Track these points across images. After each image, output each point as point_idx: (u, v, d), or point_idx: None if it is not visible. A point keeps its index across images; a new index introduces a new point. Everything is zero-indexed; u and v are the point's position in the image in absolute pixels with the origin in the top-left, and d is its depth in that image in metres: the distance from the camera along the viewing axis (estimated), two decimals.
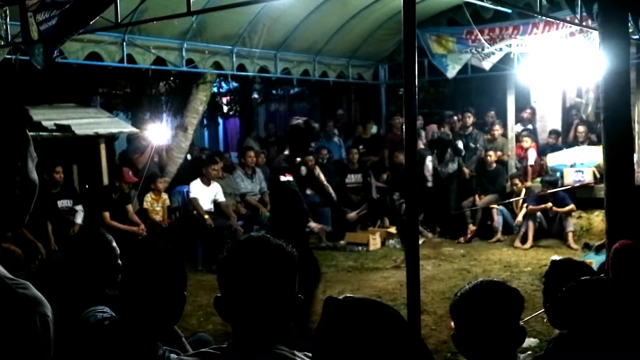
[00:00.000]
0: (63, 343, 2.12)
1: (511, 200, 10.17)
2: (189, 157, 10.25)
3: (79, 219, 8.04)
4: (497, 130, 11.07)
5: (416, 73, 3.65)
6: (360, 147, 11.41)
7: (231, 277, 1.77)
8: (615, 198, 4.54)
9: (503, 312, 2.23)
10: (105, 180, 8.39)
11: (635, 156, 8.08)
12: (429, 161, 10.62)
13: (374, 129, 12.11)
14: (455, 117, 11.55)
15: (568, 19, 8.38)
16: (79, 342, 2.31)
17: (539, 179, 10.43)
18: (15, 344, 1.11)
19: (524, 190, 10.22)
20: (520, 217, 9.93)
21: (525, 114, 11.70)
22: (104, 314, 2.53)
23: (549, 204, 9.60)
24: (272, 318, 1.74)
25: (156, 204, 8.79)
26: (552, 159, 10.48)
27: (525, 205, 9.92)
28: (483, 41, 10.05)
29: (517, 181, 10.19)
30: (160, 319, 2.33)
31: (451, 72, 10.81)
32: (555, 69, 10.32)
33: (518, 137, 11.23)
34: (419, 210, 9.71)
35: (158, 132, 9.40)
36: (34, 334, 1.14)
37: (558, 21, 8.80)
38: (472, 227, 10.16)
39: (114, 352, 2.25)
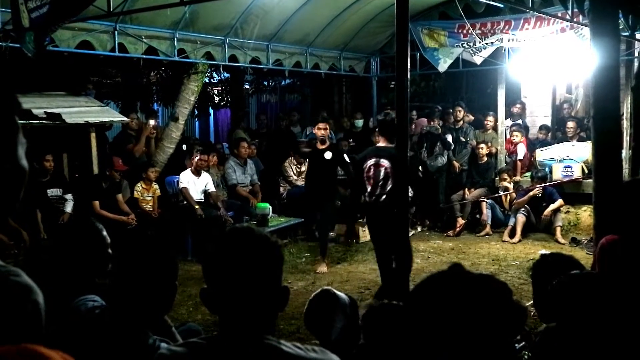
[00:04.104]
0: (54, 331, 2.13)
1: (500, 194, 10.23)
2: (184, 147, 10.22)
3: (69, 207, 8.02)
4: (490, 122, 11.10)
5: (409, 66, 3.67)
6: (350, 140, 11.42)
7: (216, 268, 1.78)
8: (604, 193, 4.58)
9: (490, 305, 2.26)
10: (96, 169, 8.36)
11: (624, 152, 8.15)
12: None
13: (360, 122, 12.09)
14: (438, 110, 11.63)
15: (559, 14, 8.44)
16: (69, 331, 2.32)
17: (528, 174, 10.48)
18: (5, 331, 1.11)
19: (512, 185, 10.27)
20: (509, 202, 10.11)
21: (515, 109, 11.74)
22: (95, 303, 2.54)
23: (536, 190, 9.67)
24: (258, 309, 1.75)
25: (147, 194, 8.78)
26: (541, 154, 10.54)
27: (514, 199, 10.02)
28: (475, 35, 10.08)
29: (505, 176, 10.23)
30: (151, 309, 2.34)
31: (442, 65, 10.84)
32: (545, 64, 10.38)
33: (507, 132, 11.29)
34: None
35: (149, 121, 9.39)
36: (26, 322, 1.15)
37: (549, 17, 8.84)
38: (461, 221, 10.20)
39: (105, 341, 2.26)
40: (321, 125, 8.02)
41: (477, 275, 2.43)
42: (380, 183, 6.09)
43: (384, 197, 6.11)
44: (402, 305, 2.64)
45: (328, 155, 7.89)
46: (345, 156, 8.11)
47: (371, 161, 6.28)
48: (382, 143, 6.28)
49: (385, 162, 6.14)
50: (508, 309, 2.32)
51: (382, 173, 6.13)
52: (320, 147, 8.03)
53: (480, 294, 2.31)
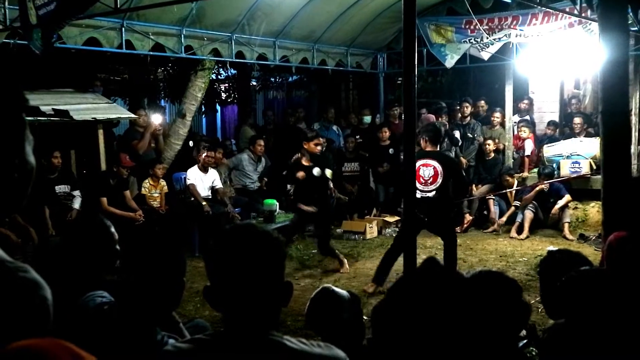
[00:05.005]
0: (62, 327, 2.14)
1: (506, 191, 10.20)
2: (190, 143, 10.22)
3: (77, 204, 8.04)
4: (497, 118, 11.08)
5: (416, 62, 3.65)
6: (357, 136, 11.40)
7: (219, 266, 1.79)
8: (612, 189, 4.56)
9: (502, 301, 2.26)
10: (104, 166, 8.39)
11: (632, 148, 8.10)
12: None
13: (368, 119, 12.07)
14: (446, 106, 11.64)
15: (567, 9, 8.39)
16: (77, 327, 2.33)
17: (536, 170, 10.45)
18: (14, 326, 1.11)
19: (515, 183, 10.24)
20: (504, 219, 10.05)
21: (523, 105, 11.69)
22: (103, 299, 2.55)
23: (543, 185, 9.65)
24: (261, 305, 1.75)
25: (154, 190, 8.80)
26: (549, 150, 10.49)
27: (515, 203, 9.98)
28: (482, 31, 10.05)
29: (507, 177, 10.20)
30: (159, 305, 2.34)
31: (450, 61, 10.81)
32: (553, 59, 10.32)
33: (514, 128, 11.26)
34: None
35: (156, 118, 9.40)
36: (34, 317, 1.15)
37: (557, 12, 8.80)
38: (468, 217, 10.18)
39: (113, 337, 2.26)
40: (317, 141, 7.73)
41: (485, 271, 2.44)
42: (429, 180, 6.77)
43: (433, 192, 6.80)
44: (404, 303, 2.64)
45: (317, 172, 7.70)
46: (327, 171, 7.80)
47: (420, 162, 6.76)
48: (429, 148, 6.93)
49: (433, 162, 6.80)
50: (516, 305, 2.32)
51: (429, 172, 6.78)
52: (307, 163, 7.73)
53: (490, 290, 2.31)
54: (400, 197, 8.71)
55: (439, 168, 6.79)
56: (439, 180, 6.79)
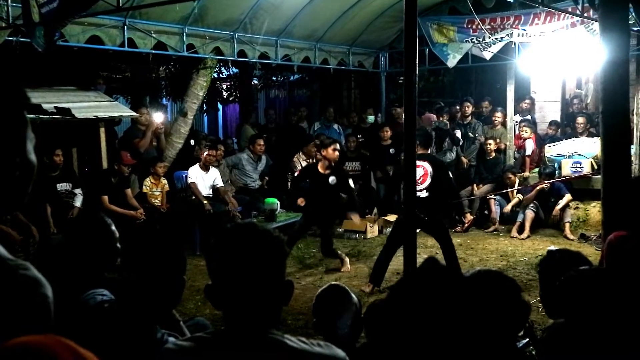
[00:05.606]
0: (62, 325, 2.14)
1: (507, 190, 10.20)
2: (192, 142, 10.24)
3: (78, 202, 8.06)
4: (498, 117, 11.08)
5: (417, 62, 3.65)
6: (359, 135, 11.40)
7: (220, 264, 1.79)
8: (612, 189, 4.57)
9: (500, 301, 2.26)
10: (105, 164, 8.40)
11: (633, 148, 8.08)
12: None
13: (371, 118, 12.07)
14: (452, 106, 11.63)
15: (569, 9, 8.40)
16: (78, 325, 2.33)
17: (537, 170, 10.44)
18: (15, 324, 1.12)
19: (517, 182, 10.24)
20: (508, 207, 10.06)
21: (524, 104, 11.69)
22: (104, 297, 2.56)
23: (544, 185, 9.65)
24: (261, 303, 1.76)
25: (155, 189, 8.81)
26: (551, 150, 10.49)
27: (519, 195, 9.99)
28: (484, 31, 10.04)
29: (509, 174, 10.20)
30: (160, 303, 2.35)
31: (452, 61, 10.81)
32: (555, 59, 10.32)
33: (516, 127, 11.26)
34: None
35: (157, 117, 9.41)
36: (34, 315, 1.16)
37: (559, 12, 8.80)
38: (469, 217, 10.16)
39: (113, 335, 2.27)
40: (335, 146, 7.70)
41: (484, 271, 2.44)
42: (419, 180, 6.87)
43: (424, 192, 6.95)
44: (405, 303, 2.64)
45: (332, 180, 7.66)
46: (350, 181, 7.86)
47: None
48: (420, 151, 7.01)
49: (422, 163, 6.94)
50: (515, 304, 2.32)
51: (419, 172, 6.87)
52: (323, 171, 7.67)
53: (489, 289, 2.32)
54: (392, 198, 8.73)
55: (429, 168, 7.03)
56: (428, 179, 7.01)
